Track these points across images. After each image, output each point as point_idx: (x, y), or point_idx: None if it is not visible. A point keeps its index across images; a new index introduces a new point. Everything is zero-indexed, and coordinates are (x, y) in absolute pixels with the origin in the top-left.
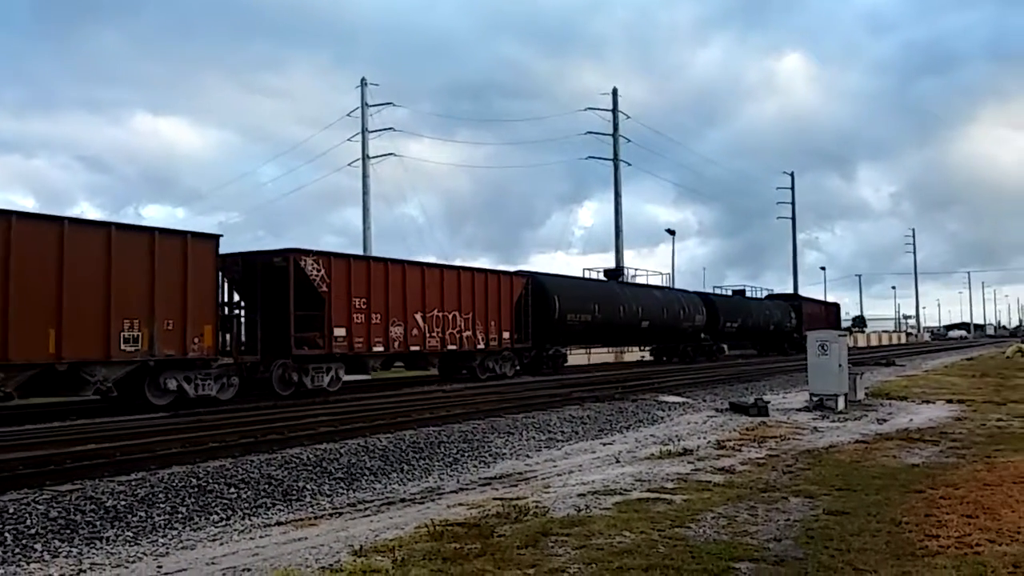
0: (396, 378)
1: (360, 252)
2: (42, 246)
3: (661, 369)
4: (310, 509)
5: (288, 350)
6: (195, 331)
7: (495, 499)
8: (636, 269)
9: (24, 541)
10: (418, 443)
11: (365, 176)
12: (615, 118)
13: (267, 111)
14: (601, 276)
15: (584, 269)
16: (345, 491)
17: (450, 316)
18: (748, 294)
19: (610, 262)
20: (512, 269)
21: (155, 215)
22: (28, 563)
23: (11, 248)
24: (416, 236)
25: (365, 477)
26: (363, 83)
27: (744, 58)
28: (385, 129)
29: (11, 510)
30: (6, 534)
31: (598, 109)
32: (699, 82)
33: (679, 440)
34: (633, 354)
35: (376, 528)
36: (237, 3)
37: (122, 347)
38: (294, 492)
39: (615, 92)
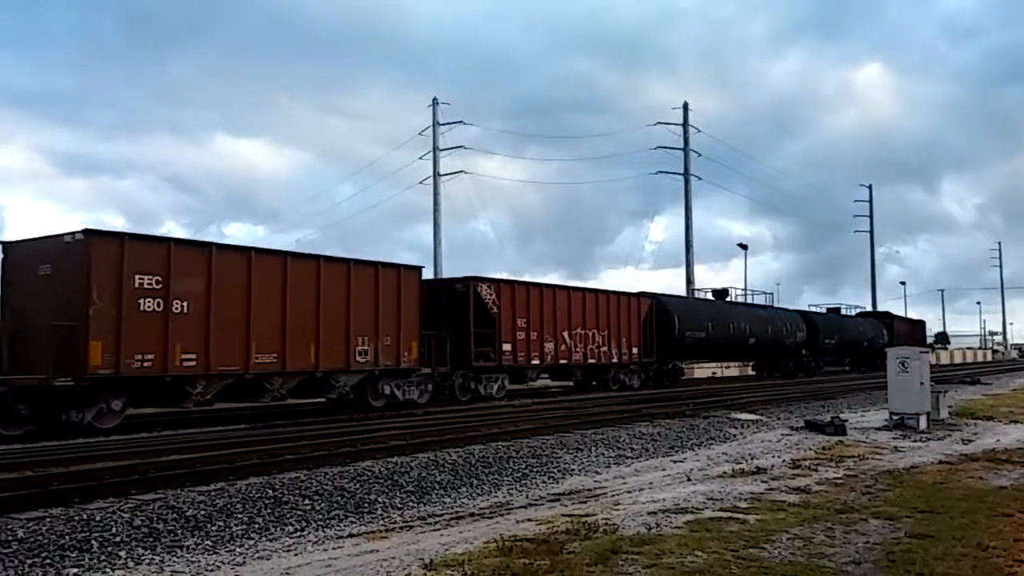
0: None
1: (431, 268)
2: (306, 278)
3: (743, 385)
4: (381, 522)
5: (469, 362)
6: (405, 346)
7: (564, 515)
8: (740, 289)
9: (109, 548)
10: (487, 458)
11: (436, 193)
12: (686, 132)
13: (342, 131)
14: (709, 296)
15: (694, 290)
16: (415, 504)
17: (590, 333)
18: (843, 312)
19: (681, 277)
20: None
21: (237, 233)
22: (113, 570)
23: (287, 281)
24: (486, 252)
25: (435, 491)
26: (435, 102)
27: (820, 69)
28: (456, 147)
29: (98, 518)
30: (92, 541)
31: (669, 123)
32: (773, 94)
33: (752, 459)
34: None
35: (446, 542)
36: (314, 26)
37: (357, 359)
38: (366, 505)
39: (686, 106)
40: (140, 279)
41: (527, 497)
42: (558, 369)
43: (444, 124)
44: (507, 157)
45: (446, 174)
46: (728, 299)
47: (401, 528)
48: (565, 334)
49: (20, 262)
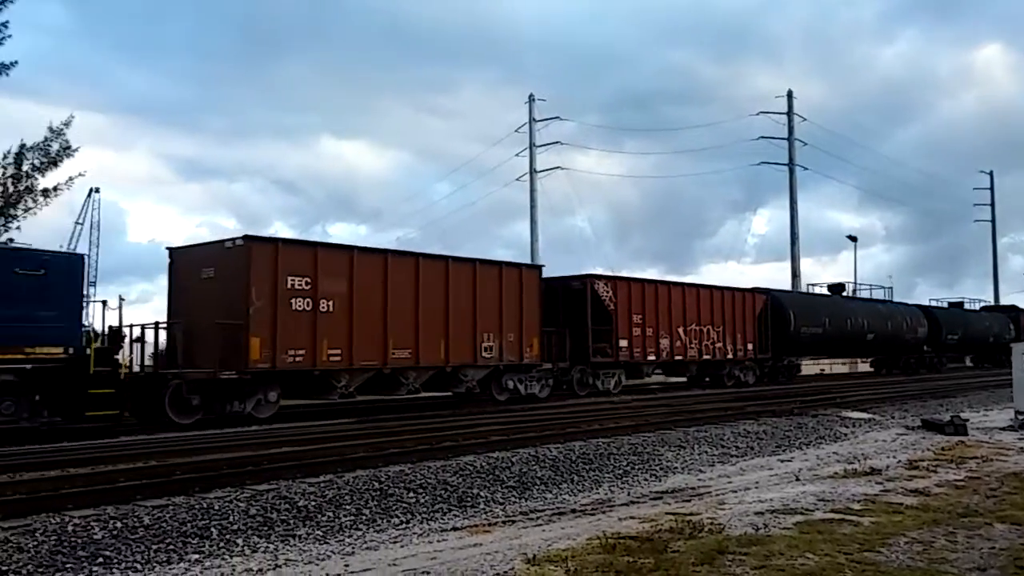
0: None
1: (528, 262)
2: (435, 278)
3: (854, 382)
4: (484, 516)
5: (587, 358)
6: (527, 342)
7: (667, 514)
8: (850, 283)
9: (227, 536)
10: (587, 454)
11: (533, 190)
12: (790, 121)
13: (439, 130)
14: (824, 290)
15: (808, 285)
16: (517, 499)
17: (704, 329)
18: (965, 306)
19: (785, 271)
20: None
21: (340, 233)
22: (231, 556)
23: (419, 281)
24: (583, 248)
25: (536, 486)
26: (531, 99)
27: (935, 52)
28: (552, 143)
29: (216, 507)
30: (212, 529)
31: (772, 113)
32: (884, 80)
33: (865, 459)
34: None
35: (548, 537)
36: (411, 29)
37: (483, 355)
38: (469, 499)
39: (790, 94)
40: (292, 280)
41: (629, 495)
42: (673, 365)
43: (540, 120)
44: (604, 152)
45: (542, 170)
46: (845, 294)
47: (503, 523)
48: (680, 330)
49: (185, 266)
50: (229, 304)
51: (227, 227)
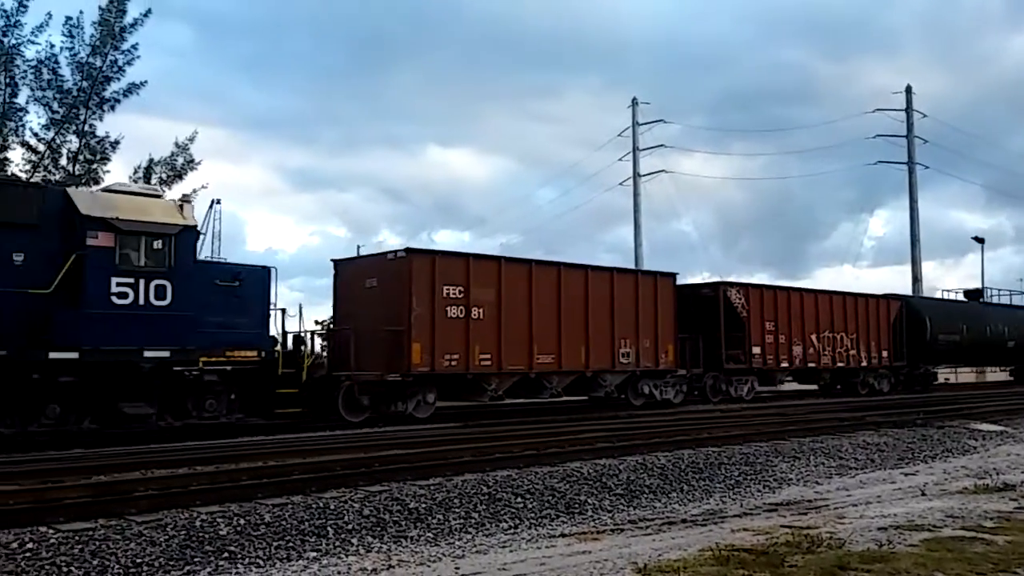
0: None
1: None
2: (575, 286)
3: (982, 392)
4: (592, 523)
5: (720, 364)
6: (662, 348)
7: (783, 526)
8: (998, 289)
9: (343, 535)
10: (697, 463)
11: (636, 194)
12: (909, 118)
13: (542, 136)
14: (960, 296)
15: (942, 291)
16: (625, 508)
17: (838, 337)
18: None
19: (904, 275)
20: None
21: (446, 240)
22: (346, 555)
23: (561, 289)
24: (689, 252)
25: (644, 495)
26: (634, 102)
27: None
28: (656, 146)
29: (332, 506)
30: (328, 528)
31: (889, 109)
32: (1012, 71)
33: (998, 474)
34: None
35: (659, 547)
36: (513, 35)
37: (620, 360)
38: (576, 506)
39: (908, 89)
40: (447, 289)
41: (741, 506)
42: (805, 372)
43: (643, 124)
44: (710, 154)
45: (646, 174)
46: (983, 300)
47: (612, 531)
48: (813, 337)
49: (349, 277)
50: (392, 311)
51: (338, 235)
